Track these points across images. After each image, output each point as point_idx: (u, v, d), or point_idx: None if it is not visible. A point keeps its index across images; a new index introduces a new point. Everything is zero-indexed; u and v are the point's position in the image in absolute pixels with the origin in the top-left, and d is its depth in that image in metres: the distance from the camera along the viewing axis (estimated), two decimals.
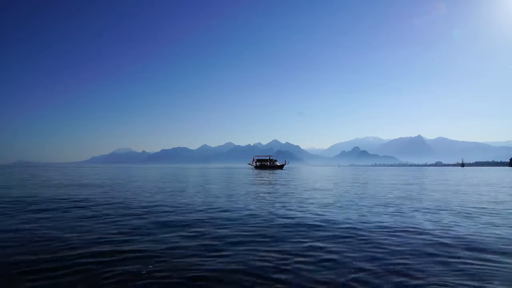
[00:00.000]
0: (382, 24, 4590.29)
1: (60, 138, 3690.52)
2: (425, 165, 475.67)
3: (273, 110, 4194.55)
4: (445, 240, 5.08)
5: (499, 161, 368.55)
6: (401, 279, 3.47)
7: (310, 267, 3.83)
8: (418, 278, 3.46)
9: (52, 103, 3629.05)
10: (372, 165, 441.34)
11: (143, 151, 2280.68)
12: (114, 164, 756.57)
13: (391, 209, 8.58)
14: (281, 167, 74.73)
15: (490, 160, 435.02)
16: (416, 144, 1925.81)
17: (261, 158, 75.94)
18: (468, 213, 8.06)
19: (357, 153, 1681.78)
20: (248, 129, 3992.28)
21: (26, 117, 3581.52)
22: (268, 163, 73.67)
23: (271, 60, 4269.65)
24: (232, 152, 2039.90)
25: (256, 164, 74.95)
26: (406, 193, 13.77)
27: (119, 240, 5.07)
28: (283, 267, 3.85)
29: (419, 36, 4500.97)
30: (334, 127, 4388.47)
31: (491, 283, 3.34)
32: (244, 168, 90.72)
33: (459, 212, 8.22)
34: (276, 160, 74.84)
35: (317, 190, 15.02)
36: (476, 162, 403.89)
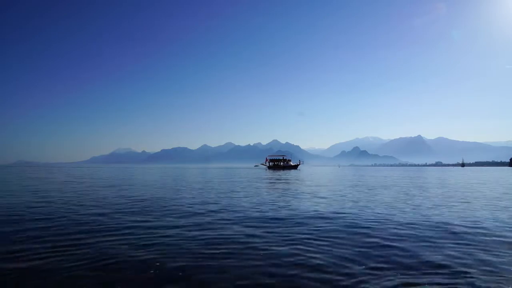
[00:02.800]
0: (382, 24, 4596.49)
1: (60, 138, 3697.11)
2: (425, 165, 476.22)
3: (273, 110, 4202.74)
4: None
5: (499, 161, 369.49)
6: None
7: None
8: None
9: (52, 103, 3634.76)
10: (372, 165, 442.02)
11: (143, 151, 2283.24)
12: (114, 164, 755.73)
13: None
14: (295, 167, 72.55)
15: (490, 160, 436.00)
16: (416, 144, 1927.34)
17: (274, 158, 74.20)
18: None
19: (357, 153, 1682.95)
20: (248, 129, 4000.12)
21: (26, 117, 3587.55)
22: (282, 163, 71.93)
23: (271, 60, 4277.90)
24: (232, 152, 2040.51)
25: (269, 164, 73.29)
26: None
27: None
28: None
29: (419, 36, 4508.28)
30: (334, 127, 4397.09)
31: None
32: (247, 168, 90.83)
33: None
34: (290, 160, 72.92)
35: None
36: (476, 162, 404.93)
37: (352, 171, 60.21)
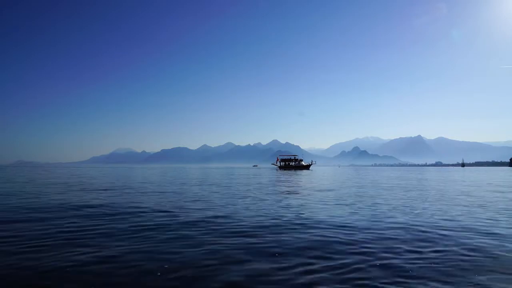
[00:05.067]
0: (382, 24, 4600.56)
1: (60, 138, 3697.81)
2: (425, 165, 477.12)
3: (273, 110, 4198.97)
4: None
5: (499, 161, 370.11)
6: None
7: None
8: None
9: (52, 103, 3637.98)
10: (372, 165, 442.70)
11: (143, 151, 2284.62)
12: (114, 164, 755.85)
13: None
14: (307, 167, 70.28)
15: (490, 160, 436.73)
16: (416, 144, 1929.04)
17: (285, 157, 72.34)
18: None
19: (357, 153, 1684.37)
20: (248, 129, 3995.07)
21: (26, 117, 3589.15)
22: (293, 163, 70.18)
23: (271, 60, 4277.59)
24: (232, 152, 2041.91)
25: (280, 164, 71.73)
26: None
27: None
28: None
29: (419, 36, 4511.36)
30: (334, 127, 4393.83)
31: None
32: (248, 168, 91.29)
33: None
34: (301, 160, 70.84)
35: None
36: (476, 162, 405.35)
37: (364, 172, 55.68)
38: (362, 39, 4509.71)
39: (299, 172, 48.17)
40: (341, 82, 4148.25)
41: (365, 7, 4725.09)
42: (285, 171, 50.33)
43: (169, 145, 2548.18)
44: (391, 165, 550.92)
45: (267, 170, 60.24)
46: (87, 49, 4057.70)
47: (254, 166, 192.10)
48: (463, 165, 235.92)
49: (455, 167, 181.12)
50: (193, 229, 5.79)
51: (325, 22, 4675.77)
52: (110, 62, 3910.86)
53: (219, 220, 6.68)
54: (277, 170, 61.33)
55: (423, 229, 5.88)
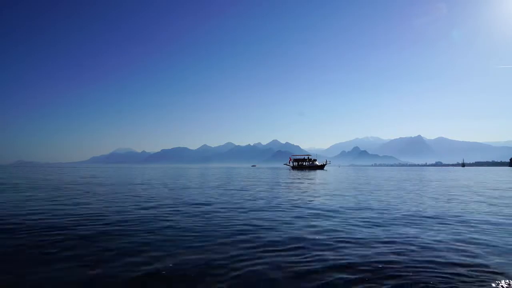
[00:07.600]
0: (382, 24, 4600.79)
1: (60, 138, 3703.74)
2: (425, 165, 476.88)
3: (273, 110, 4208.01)
4: None
5: (499, 161, 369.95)
6: None
7: None
8: None
9: (52, 103, 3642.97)
10: (372, 165, 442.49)
11: (143, 151, 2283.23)
12: (114, 164, 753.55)
13: None
14: (321, 167, 68.97)
15: (490, 160, 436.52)
16: (416, 144, 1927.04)
17: (298, 157, 71.76)
18: None
19: (357, 153, 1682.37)
20: (248, 129, 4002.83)
21: (26, 117, 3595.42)
22: (306, 163, 69.22)
23: (271, 60, 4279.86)
24: (232, 152, 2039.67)
25: (293, 164, 71.17)
26: None
27: None
28: None
29: (419, 36, 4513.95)
30: (334, 127, 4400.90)
31: None
32: (249, 168, 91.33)
33: None
34: (315, 160, 69.74)
35: None
36: (476, 162, 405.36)
37: (371, 173, 51.08)
38: (362, 39, 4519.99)
39: (314, 172, 46.19)
40: (341, 82, 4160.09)
41: (365, 7, 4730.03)
42: (299, 171, 48.60)
43: (169, 145, 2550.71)
44: (391, 165, 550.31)
45: (275, 170, 59.07)
46: (87, 49, 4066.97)
47: (252, 166, 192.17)
48: (463, 165, 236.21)
49: (455, 167, 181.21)
50: None
51: (325, 22, 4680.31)
52: (110, 62, 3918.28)
53: None
54: (290, 170, 60.60)
55: None
